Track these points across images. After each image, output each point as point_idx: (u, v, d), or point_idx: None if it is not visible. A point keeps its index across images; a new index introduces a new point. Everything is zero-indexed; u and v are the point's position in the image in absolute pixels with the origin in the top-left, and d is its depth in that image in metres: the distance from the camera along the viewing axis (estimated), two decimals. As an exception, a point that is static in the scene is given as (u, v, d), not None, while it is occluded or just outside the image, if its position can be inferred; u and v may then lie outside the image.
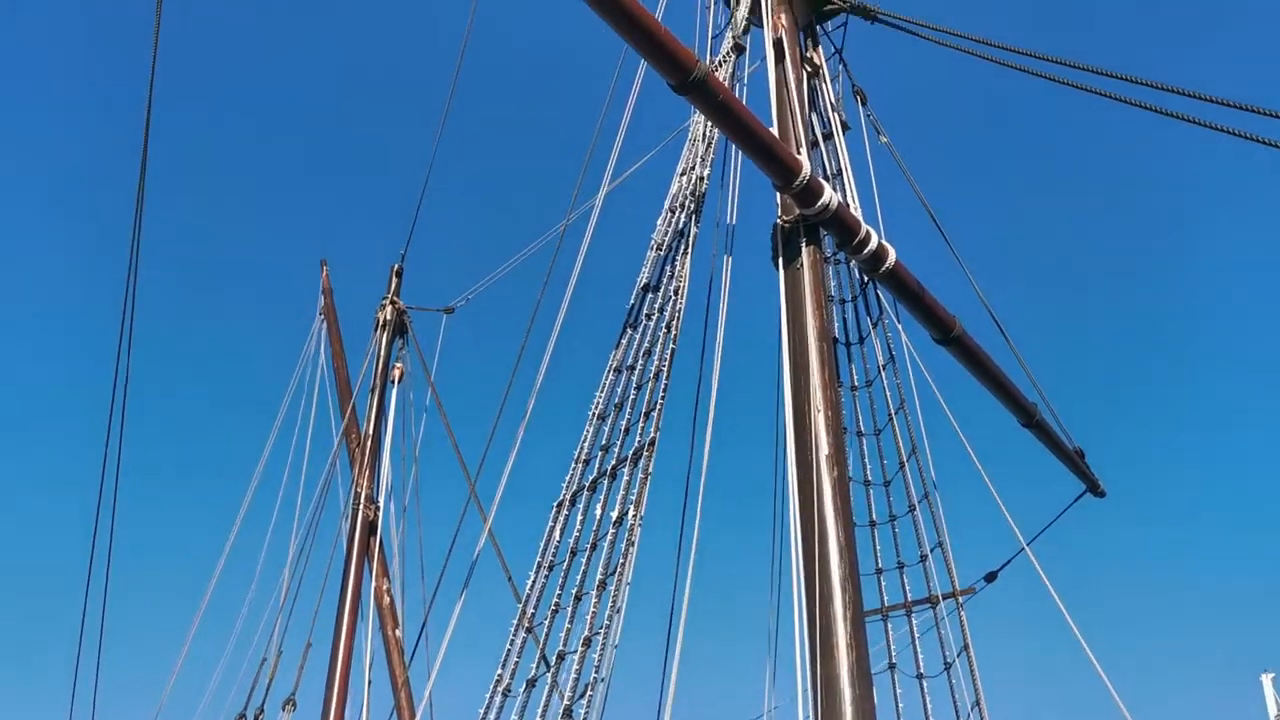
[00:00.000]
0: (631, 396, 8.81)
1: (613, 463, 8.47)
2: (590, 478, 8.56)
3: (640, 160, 12.35)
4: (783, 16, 11.38)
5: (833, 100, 11.60)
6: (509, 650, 8.08)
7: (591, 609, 7.76)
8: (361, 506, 17.56)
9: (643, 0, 8.48)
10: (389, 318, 19.67)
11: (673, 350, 8.75)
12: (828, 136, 11.29)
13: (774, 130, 10.15)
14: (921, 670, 9.52)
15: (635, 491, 8.03)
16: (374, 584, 17.40)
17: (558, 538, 8.48)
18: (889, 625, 9.82)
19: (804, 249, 9.61)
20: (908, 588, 9.91)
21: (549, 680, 7.62)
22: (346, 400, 19.33)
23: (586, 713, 7.35)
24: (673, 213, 9.95)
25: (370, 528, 17.58)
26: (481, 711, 7.83)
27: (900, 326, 10.46)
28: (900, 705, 9.32)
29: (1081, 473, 13.13)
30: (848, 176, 10.93)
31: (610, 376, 9.16)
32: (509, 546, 15.29)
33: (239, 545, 18.61)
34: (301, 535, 17.99)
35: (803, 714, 7.29)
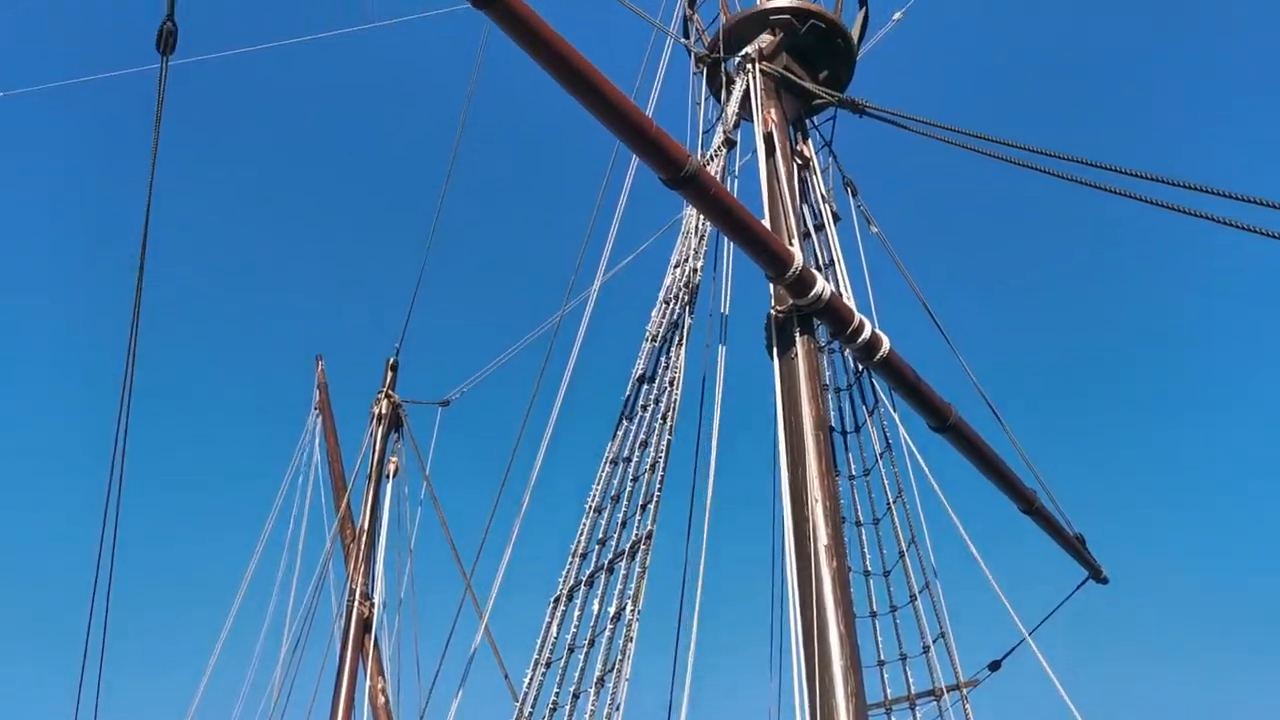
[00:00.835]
0: (628, 489, 8.76)
1: (610, 556, 8.39)
2: (587, 572, 8.47)
3: (634, 253, 12.48)
4: (772, 111, 11.61)
5: (823, 192, 11.76)
6: (507, 751, 7.91)
7: (590, 707, 7.62)
8: (356, 603, 17.34)
9: (634, 96, 8.68)
10: (384, 412, 19.66)
11: (669, 442, 8.73)
12: (819, 228, 11.42)
13: (766, 222, 10.28)
14: (927, 765, 9.33)
15: (633, 586, 7.94)
16: (369, 683, 17.11)
17: (555, 634, 8.36)
18: (893, 718, 9.65)
19: (798, 339, 9.66)
20: (911, 679, 9.75)
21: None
22: (341, 495, 19.21)
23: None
24: (667, 304, 10.01)
25: (365, 625, 17.34)
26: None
27: (896, 415, 10.45)
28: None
29: (1083, 559, 13.01)
30: (840, 266, 11.03)
31: (606, 469, 9.12)
32: (506, 642, 15.08)
33: (232, 642, 18.32)
34: (295, 633, 17.72)
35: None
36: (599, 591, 8.25)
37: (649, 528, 8.22)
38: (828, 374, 10.33)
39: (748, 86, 11.64)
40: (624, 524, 8.45)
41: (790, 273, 9.31)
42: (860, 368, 10.51)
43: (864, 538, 10.09)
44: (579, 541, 8.73)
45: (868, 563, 9.96)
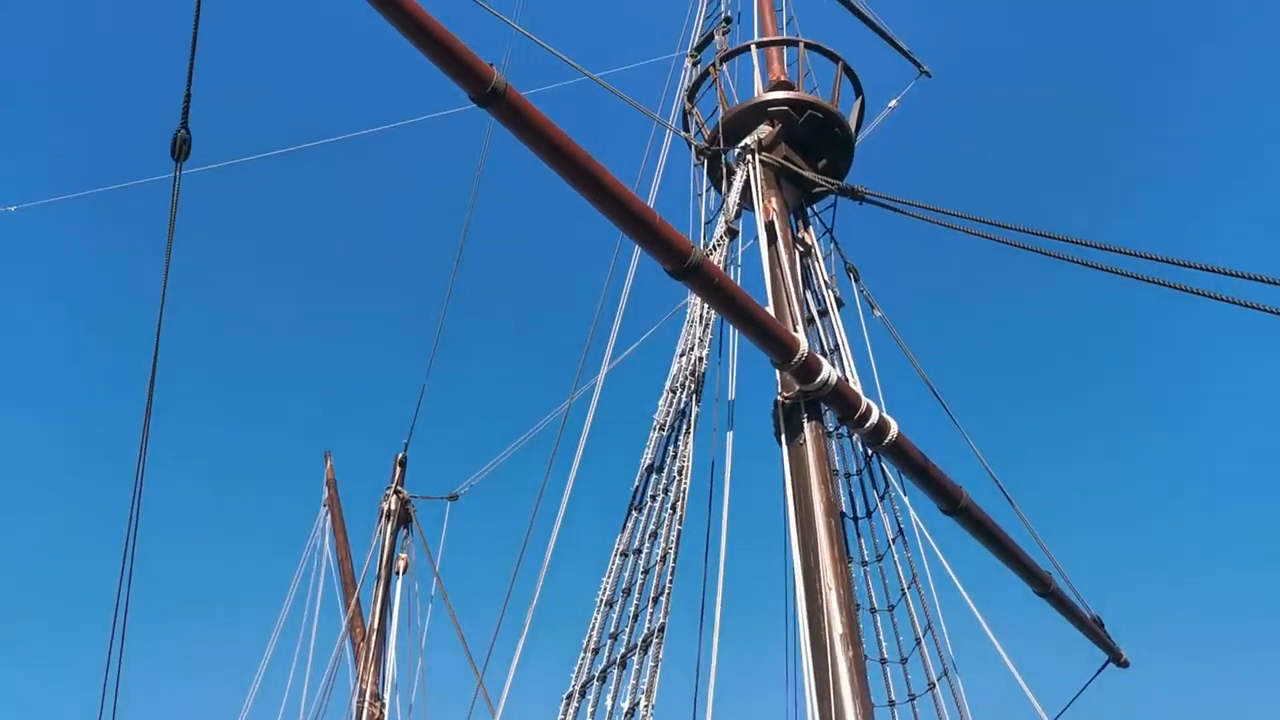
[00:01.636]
0: (639, 581, 8.68)
1: (623, 651, 8.27)
2: (600, 667, 8.34)
3: (638, 342, 12.54)
4: (773, 200, 11.76)
5: (826, 278, 11.85)
6: None
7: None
8: (366, 704, 17.08)
9: (636, 187, 8.83)
10: (393, 508, 19.61)
11: (679, 532, 8.67)
12: (823, 313, 11.49)
13: (770, 309, 10.34)
14: None
15: (646, 681, 7.81)
16: (380, 786, 16.77)
17: (569, 731, 8.21)
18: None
19: (806, 425, 9.67)
20: (932, 770, 9.53)
21: None
22: (351, 593, 19.07)
23: None
24: (674, 393, 10.03)
25: (376, 726, 17.06)
26: None
27: (907, 499, 10.38)
28: None
29: (1102, 642, 12.80)
30: (845, 351, 11.06)
31: (617, 560, 9.04)
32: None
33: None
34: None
35: None
36: (612, 687, 8.12)
37: (661, 620, 8.12)
38: (837, 459, 10.29)
39: (748, 177, 11.81)
40: (636, 617, 8.35)
41: (796, 359, 9.35)
42: (869, 452, 10.47)
43: (879, 624, 9.95)
44: (590, 636, 8.62)
45: (884, 650, 9.80)
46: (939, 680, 9.70)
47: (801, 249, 12.09)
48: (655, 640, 8.05)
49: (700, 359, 10.03)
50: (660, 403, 10.01)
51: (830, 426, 10.25)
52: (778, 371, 9.99)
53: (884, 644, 9.80)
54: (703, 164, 13.01)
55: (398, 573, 19.08)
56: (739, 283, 10.32)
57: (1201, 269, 7.34)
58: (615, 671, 8.18)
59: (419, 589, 19.02)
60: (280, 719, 17.83)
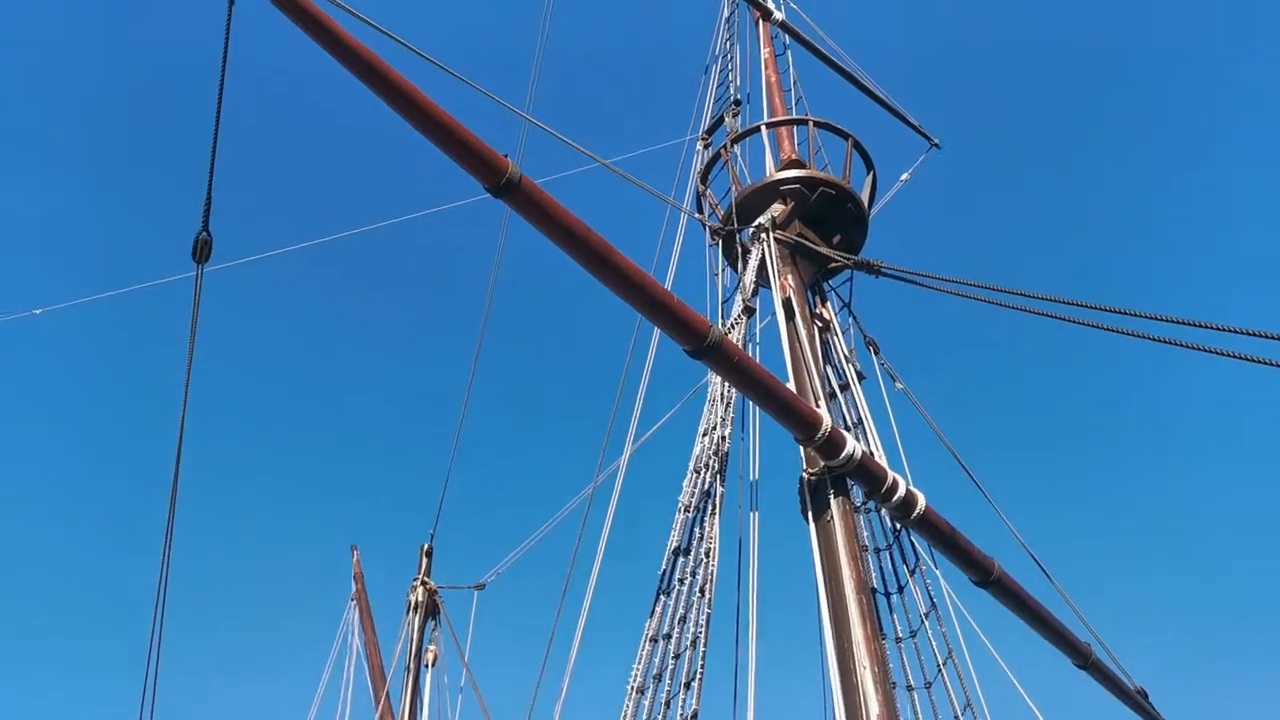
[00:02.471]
0: (670, 666, 8.55)
1: (656, 738, 8.12)
2: (633, 756, 8.19)
3: (659, 423, 12.51)
4: (789, 278, 11.81)
5: (845, 352, 11.84)
6: None
7: None
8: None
9: (652, 268, 8.89)
10: (420, 599, 19.46)
11: (708, 615, 8.55)
12: (844, 387, 11.45)
13: (791, 386, 10.32)
14: None
15: (681, 769, 7.66)
16: None
17: (603, 824, 8.03)
18: None
19: (833, 501, 9.58)
20: None
21: None
22: (380, 687, 18.85)
23: None
24: (698, 474, 9.97)
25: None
26: None
27: (939, 573, 10.23)
28: None
29: (1147, 715, 12.47)
30: (868, 425, 11.00)
31: (646, 646, 8.92)
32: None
33: None
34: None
35: None
36: (646, 776, 7.96)
37: (694, 707, 7.97)
38: (865, 534, 10.17)
39: (763, 255, 11.87)
40: (668, 704, 8.20)
41: (819, 435, 9.30)
42: (898, 526, 10.35)
43: (917, 702, 9.75)
44: (623, 724, 8.47)
45: (922, 730, 9.58)
46: (981, 760, 9.47)
47: (820, 324, 12.10)
48: (689, 727, 7.90)
49: (723, 438, 9.99)
50: (685, 483, 9.95)
51: (857, 501, 10.15)
52: (802, 448, 9.94)
53: (922, 723, 9.59)
54: (718, 244, 13.11)
55: (427, 665, 18.88)
56: (759, 360, 10.32)
57: (1228, 331, 7.29)
58: (649, 760, 8.02)
59: (449, 680, 18.81)
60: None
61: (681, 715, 7.97)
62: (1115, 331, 8.19)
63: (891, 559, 10.33)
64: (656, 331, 10.98)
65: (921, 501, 9.98)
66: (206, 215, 6.65)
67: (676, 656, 8.51)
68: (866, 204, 13.43)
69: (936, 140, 17.67)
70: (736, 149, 13.95)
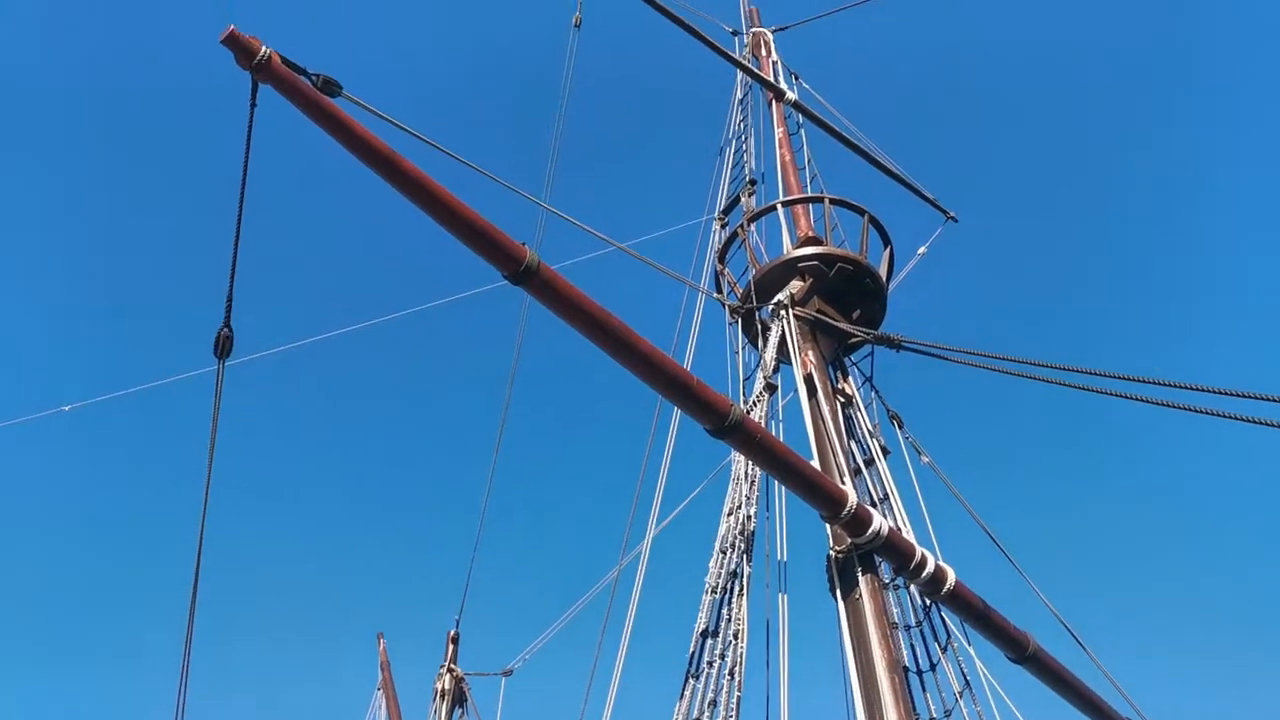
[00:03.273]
0: (701, 752, 8.41)
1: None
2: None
3: (683, 503, 12.44)
4: (810, 354, 11.82)
5: (869, 427, 11.78)
6: None
7: None
8: None
9: (671, 348, 8.91)
10: (447, 686, 19.26)
11: (739, 699, 8.43)
12: (869, 463, 11.37)
13: (815, 463, 10.27)
14: None
15: None
16: None
17: None
18: None
19: (861, 579, 9.48)
20: None
21: None
22: (409, 779, 18.59)
23: None
24: (724, 554, 9.89)
25: None
26: None
27: (972, 649, 10.05)
28: None
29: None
30: (895, 500, 10.90)
31: (677, 732, 8.78)
32: None
33: None
34: None
35: None
36: None
37: (726, 793, 7.83)
38: (895, 612, 10.02)
39: (783, 332, 11.90)
40: (700, 790, 8.06)
41: (845, 512, 9.23)
42: (928, 602, 10.20)
43: (956, 785, 9.52)
44: (655, 813, 8.32)
45: (962, 813, 9.35)
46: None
47: (842, 399, 12.07)
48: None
49: (749, 517, 9.93)
50: (711, 564, 9.87)
51: (886, 578, 10.03)
52: (828, 525, 9.86)
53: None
54: (737, 322, 13.16)
55: (456, 757, 18.62)
56: (781, 437, 10.31)
57: (1254, 398, 7.23)
58: None
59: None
60: None
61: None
62: (1137, 400, 8.15)
63: (923, 636, 10.17)
64: (678, 411, 10.97)
65: (951, 576, 9.85)
66: (228, 312, 6.75)
67: (708, 742, 8.38)
68: (884, 278, 13.48)
69: (953, 213, 17.76)
70: (753, 228, 14.07)
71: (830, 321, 12.41)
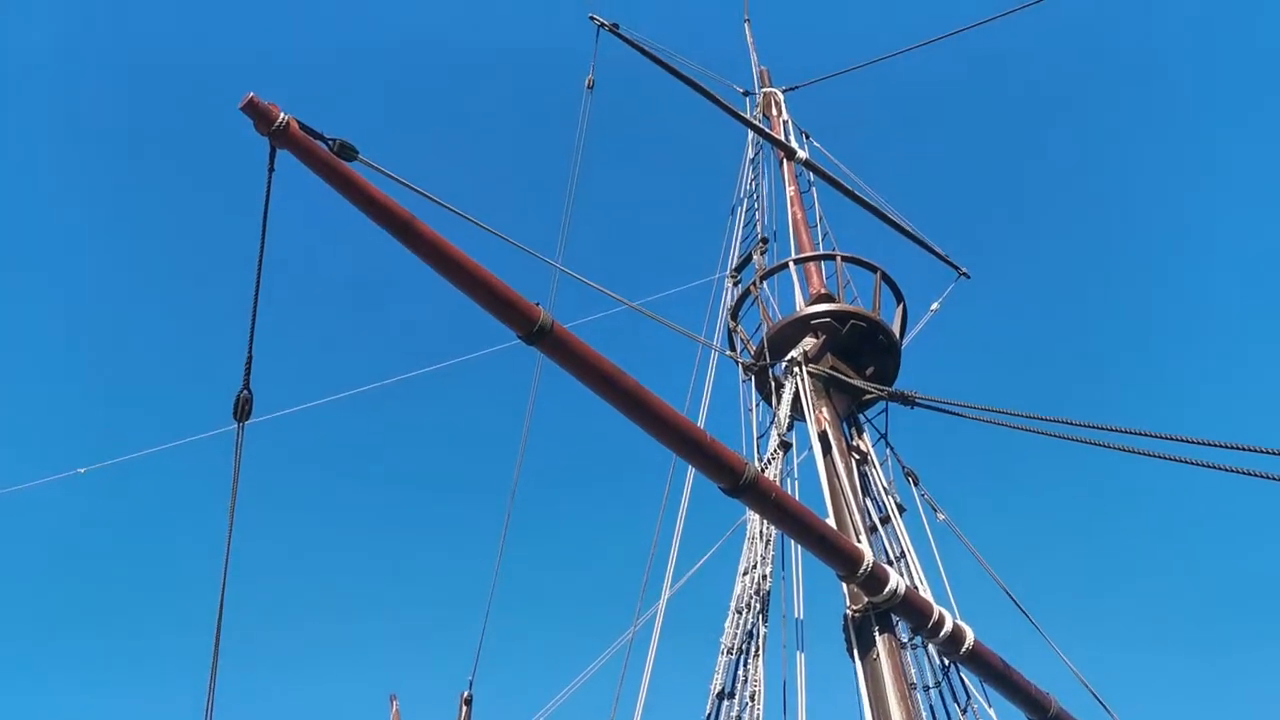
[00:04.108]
0: (719, 816, 8.29)
1: None
2: None
3: (698, 564, 12.37)
4: (824, 411, 11.81)
5: (884, 484, 11.74)
6: None
7: None
8: None
9: (685, 406, 8.91)
10: (461, 749, 19.01)
11: (756, 762, 8.33)
12: (885, 520, 11.32)
13: (830, 521, 10.22)
14: None
15: None
16: None
17: None
18: None
19: (878, 638, 9.40)
20: None
21: None
22: (422, 844, 18.30)
23: None
24: (739, 614, 9.82)
25: None
26: None
27: (992, 710, 9.93)
28: None
29: None
30: (911, 558, 10.83)
31: (694, 796, 8.67)
32: None
33: None
34: None
35: None
36: None
37: None
38: (914, 671, 9.92)
39: (797, 389, 11.90)
40: None
41: (862, 571, 9.17)
42: (947, 662, 10.09)
43: None
44: None
45: None
46: None
47: (858, 456, 12.05)
48: None
49: (764, 577, 9.87)
50: (726, 624, 9.80)
51: (904, 637, 9.93)
52: (844, 585, 9.79)
53: None
54: (750, 379, 13.17)
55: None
56: (796, 495, 10.28)
57: (1265, 452, 7.19)
58: None
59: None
60: None
61: None
62: (1153, 456, 8.11)
63: (942, 697, 10.05)
64: (692, 470, 10.95)
65: (970, 636, 9.75)
66: (247, 374, 6.80)
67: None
68: (898, 334, 13.50)
69: (965, 269, 17.80)
70: (766, 285, 14.14)
71: (844, 378, 12.42)
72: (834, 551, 9.20)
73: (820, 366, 12.38)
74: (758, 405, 12.89)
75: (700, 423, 10.20)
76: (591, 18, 19.68)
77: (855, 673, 9.44)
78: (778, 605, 9.85)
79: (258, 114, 6.95)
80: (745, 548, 10.48)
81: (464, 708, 19.65)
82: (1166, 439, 7.99)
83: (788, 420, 11.71)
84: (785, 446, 11.21)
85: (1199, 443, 7.70)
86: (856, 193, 18.07)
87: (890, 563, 10.44)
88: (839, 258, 14.09)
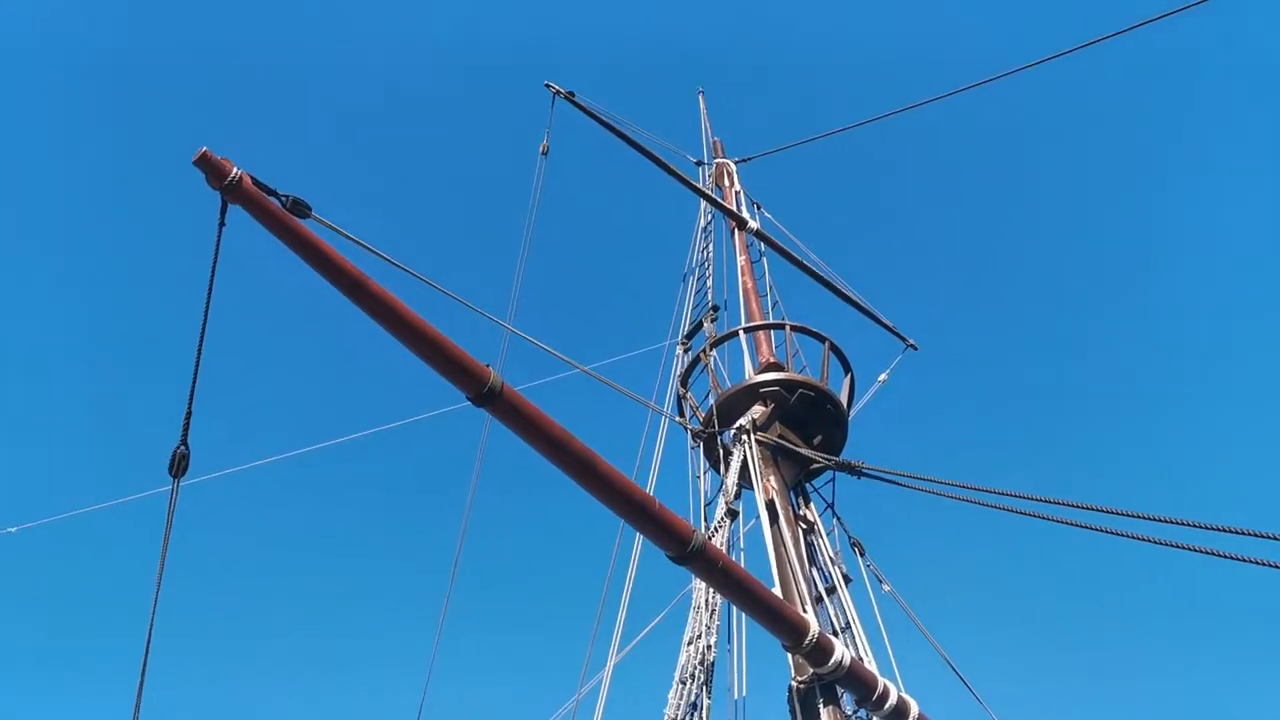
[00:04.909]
0: None
1: None
2: None
3: (643, 632, 12.21)
4: (771, 479, 11.81)
5: (831, 554, 11.73)
6: None
7: None
8: None
9: (634, 473, 8.84)
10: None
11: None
12: (830, 591, 11.29)
13: (777, 590, 10.17)
14: None
15: None
16: None
17: None
18: None
19: (823, 710, 9.32)
20: None
21: None
22: None
23: None
24: (683, 684, 9.69)
25: None
26: None
27: (937, 784, 9.85)
28: None
29: None
30: (857, 629, 10.80)
31: None
32: None
33: None
34: None
35: None
36: None
37: None
38: (858, 745, 9.84)
39: (745, 457, 11.91)
40: None
41: (808, 641, 9.11)
42: (892, 735, 10.02)
43: None
44: None
45: None
46: None
47: (804, 526, 12.03)
48: None
49: (709, 647, 9.76)
50: (670, 695, 9.65)
51: (848, 709, 9.86)
52: (789, 655, 9.71)
53: None
54: (699, 446, 13.16)
55: None
56: (743, 564, 10.21)
57: (1217, 530, 7.28)
58: None
59: None
60: None
61: None
62: (1096, 530, 8.18)
63: (887, 770, 9.97)
64: (639, 538, 10.88)
65: (914, 709, 9.70)
66: (185, 429, 6.66)
67: None
68: (846, 404, 13.58)
69: (913, 341, 18.03)
70: (715, 353, 14.20)
71: (792, 447, 12.44)
72: (780, 621, 9.14)
73: (768, 435, 12.41)
74: (706, 472, 12.88)
75: (649, 489, 10.16)
76: (547, 85, 19.89)
77: (800, 746, 9.34)
78: (723, 676, 9.76)
79: (210, 168, 6.89)
80: (690, 617, 10.37)
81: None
82: (1110, 513, 8.07)
83: (735, 488, 11.69)
84: (732, 515, 11.17)
85: (1141, 517, 7.79)
86: (806, 264, 18.30)
87: (836, 633, 10.40)
88: (788, 327, 14.21)
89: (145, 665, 6.40)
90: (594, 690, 10.88)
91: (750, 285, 16.33)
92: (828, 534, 12.21)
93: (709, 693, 9.36)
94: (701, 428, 13.23)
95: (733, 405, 13.02)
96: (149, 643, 6.45)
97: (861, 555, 12.29)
